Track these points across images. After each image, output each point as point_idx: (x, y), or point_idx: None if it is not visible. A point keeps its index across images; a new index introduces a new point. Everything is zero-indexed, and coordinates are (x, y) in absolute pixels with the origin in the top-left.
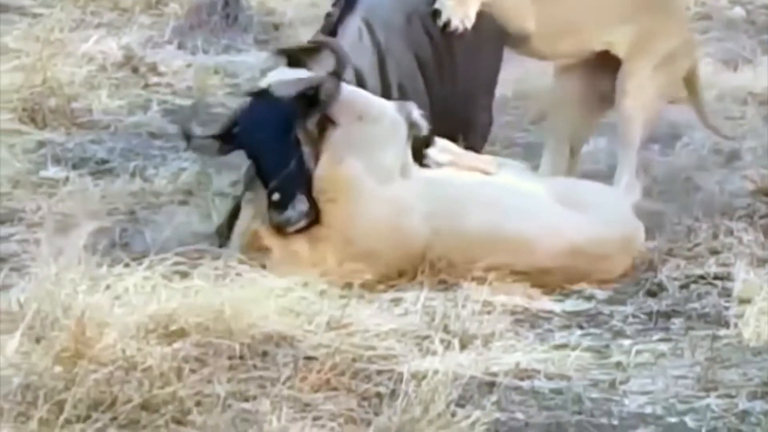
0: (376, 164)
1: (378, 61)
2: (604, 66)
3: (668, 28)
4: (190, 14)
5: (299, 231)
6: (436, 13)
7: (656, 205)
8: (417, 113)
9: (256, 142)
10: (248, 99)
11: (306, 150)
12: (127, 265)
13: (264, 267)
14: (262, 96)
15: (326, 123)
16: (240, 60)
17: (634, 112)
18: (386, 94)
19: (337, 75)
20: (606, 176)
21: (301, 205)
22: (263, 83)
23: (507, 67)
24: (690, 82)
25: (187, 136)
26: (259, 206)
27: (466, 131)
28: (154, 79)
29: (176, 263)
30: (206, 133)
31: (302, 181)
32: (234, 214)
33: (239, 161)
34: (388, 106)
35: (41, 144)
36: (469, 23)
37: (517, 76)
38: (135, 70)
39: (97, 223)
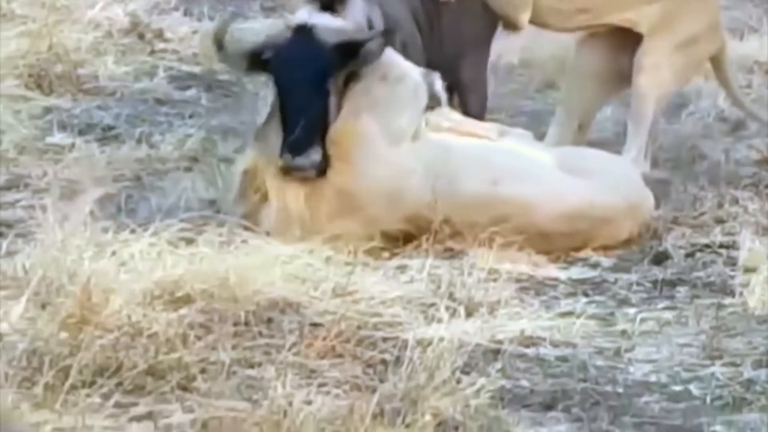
0: (391, 126)
1: (383, 19)
2: (625, 43)
3: (694, 10)
4: None
5: (302, 180)
6: None
7: (662, 173)
8: (439, 84)
9: (291, 78)
10: (287, 29)
11: (332, 101)
12: (132, 232)
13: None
14: (304, 33)
15: (351, 76)
16: (246, 27)
17: (648, 89)
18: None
19: (384, 36)
20: (612, 144)
21: (315, 155)
22: (304, 20)
23: (513, 34)
24: (718, 67)
25: (219, 45)
26: (267, 144)
27: (458, 92)
28: (161, 46)
29: (182, 230)
30: (240, 47)
31: (322, 132)
32: None
33: (245, 128)
34: (413, 71)
35: (47, 110)
36: None
37: (523, 44)
38: (141, 36)
39: (103, 190)
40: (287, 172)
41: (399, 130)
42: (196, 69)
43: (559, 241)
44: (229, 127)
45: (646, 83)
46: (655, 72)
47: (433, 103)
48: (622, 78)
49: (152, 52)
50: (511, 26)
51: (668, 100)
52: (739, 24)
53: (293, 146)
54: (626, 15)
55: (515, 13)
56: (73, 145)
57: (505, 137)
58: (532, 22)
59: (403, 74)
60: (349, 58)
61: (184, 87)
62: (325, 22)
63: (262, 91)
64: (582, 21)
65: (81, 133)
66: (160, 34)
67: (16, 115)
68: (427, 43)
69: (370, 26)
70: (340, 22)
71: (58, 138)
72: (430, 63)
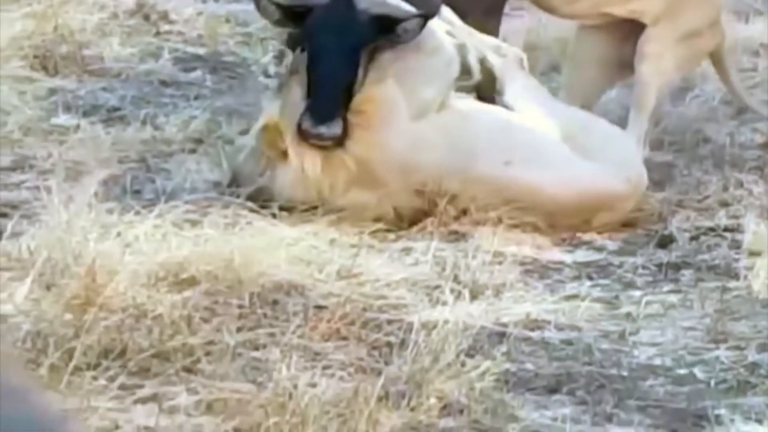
0: (417, 97)
1: None
2: (628, 30)
3: (698, 3)
4: None
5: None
6: None
7: (666, 156)
8: (474, 58)
9: (324, 42)
10: None
11: (360, 72)
12: (137, 213)
13: (273, 216)
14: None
15: (383, 45)
16: (251, 9)
17: (650, 77)
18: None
19: (425, 17)
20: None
21: (336, 127)
22: None
23: (517, 17)
24: (717, 62)
25: None
26: (289, 102)
27: None
28: (166, 27)
29: (186, 211)
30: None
31: (346, 103)
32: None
33: (249, 109)
34: (447, 43)
35: (52, 91)
36: None
37: (528, 26)
38: (146, 17)
39: (108, 171)
40: (306, 137)
41: (424, 103)
42: (201, 51)
43: (561, 221)
44: (233, 108)
45: (648, 71)
46: (658, 60)
47: (465, 76)
48: (623, 65)
49: (157, 34)
50: None
51: (670, 88)
52: (745, 7)
53: (316, 113)
54: (631, 4)
55: None
56: (78, 127)
57: (521, 90)
58: (537, 4)
59: (436, 46)
60: (385, 32)
61: (189, 68)
62: None
63: (269, 71)
64: (587, 7)
65: (86, 114)
66: (165, 16)
67: (20, 97)
68: None
69: None
70: None
71: (62, 119)
72: None
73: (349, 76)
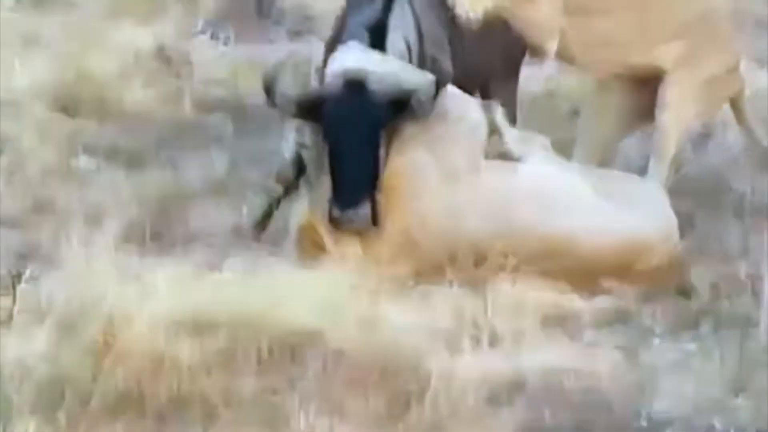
0: (446, 162)
1: (417, 34)
2: (647, 78)
3: (716, 48)
4: (224, 6)
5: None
6: None
7: (687, 204)
8: (501, 116)
9: (341, 131)
10: (340, 77)
11: (382, 152)
12: (157, 258)
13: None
14: (357, 85)
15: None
16: (272, 52)
17: (671, 125)
18: (422, 64)
19: (437, 86)
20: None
21: (364, 209)
22: (356, 65)
23: (537, 64)
24: (736, 107)
25: (269, 90)
26: (317, 195)
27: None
28: (187, 70)
29: (206, 256)
30: (290, 93)
31: (372, 185)
32: (270, 208)
33: (269, 155)
34: (472, 107)
35: (73, 134)
36: (475, 19)
37: (547, 74)
38: (167, 61)
39: (128, 215)
40: (337, 224)
41: (454, 167)
42: (222, 94)
43: (598, 272)
44: (254, 152)
45: (668, 118)
46: (680, 108)
47: (494, 134)
48: (642, 113)
49: (178, 77)
50: (539, 53)
51: (690, 136)
52: (764, 54)
53: (343, 200)
54: (651, 53)
55: (543, 41)
56: (98, 170)
57: (534, 151)
58: (557, 55)
59: (461, 112)
60: (400, 109)
61: (209, 112)
62: (376, 67)
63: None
64: (606, 56)
65: (106, 157)
66: (186, 59)
67: (41, 139)
68: (457, 63)
69: (410, 50)
70: (391, 64)
71: (83, 162)
72: (458, 82)
73: (369, 159)
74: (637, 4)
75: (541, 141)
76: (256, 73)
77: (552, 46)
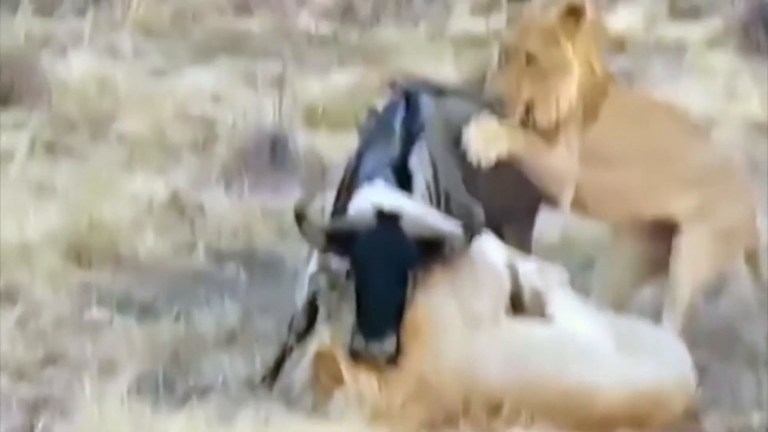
0: (469, 308)
1: (433, 175)
2: (661, 229)
3: (731, 199)
4: (237, 156)
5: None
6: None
7: (700, 355)
8: (526, 273)
9: (372, 267)
10: (373, 213)
11: (410, 291)
12: (170, 410)
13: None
14: (390, 224)
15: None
16: (287, 203)
17: (685, 276)
18: (438, 203)
19: (468, 234)
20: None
21: (390, 344)
22: (387, 201)
23: (551, 214)
24: (753, 263)
25: (300, 218)
26: (340, 325)
27: None
28: (200, 221)
29: (220, 408)
30: (322, 224)
31: (398, 321)
32: (281, 359)
33: (282, 304)
34: (499, 260)
35: (86, 285)
36: (487, 164)
37: (562, 223)
38: (181, 211)
39: (140, 367)
40: (358, 357)
41: (477, 314)
42: (236, 244)
43: (615, 424)
44: (268, 303)
45: (682, 270)
46: (693, 258)
47: (517, 289)
48: (657, 264)
49: (192, 227)
50: (553, 203)
51: (704, 287)
52: None
53: (368, 332)
54: (665, 204)
55: (558, 192)
56: (111, 321)
57: (545, 281)
58: (572, 207)
59: (487, 263)
60: (431, 253)
61: (223, 262)
62: (406, 206)
63: (301, 268)
64: (619, 207)
65: (119, 308)
66: (200, 209)
67: (54, 289)
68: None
69: (429, 192)
70: (421, 208)
71: (96, 313)
72: None
73: (397, 296)
74: (651, 154)
75: (559, 273)
76: (269, 223)
77: (568, 197)
